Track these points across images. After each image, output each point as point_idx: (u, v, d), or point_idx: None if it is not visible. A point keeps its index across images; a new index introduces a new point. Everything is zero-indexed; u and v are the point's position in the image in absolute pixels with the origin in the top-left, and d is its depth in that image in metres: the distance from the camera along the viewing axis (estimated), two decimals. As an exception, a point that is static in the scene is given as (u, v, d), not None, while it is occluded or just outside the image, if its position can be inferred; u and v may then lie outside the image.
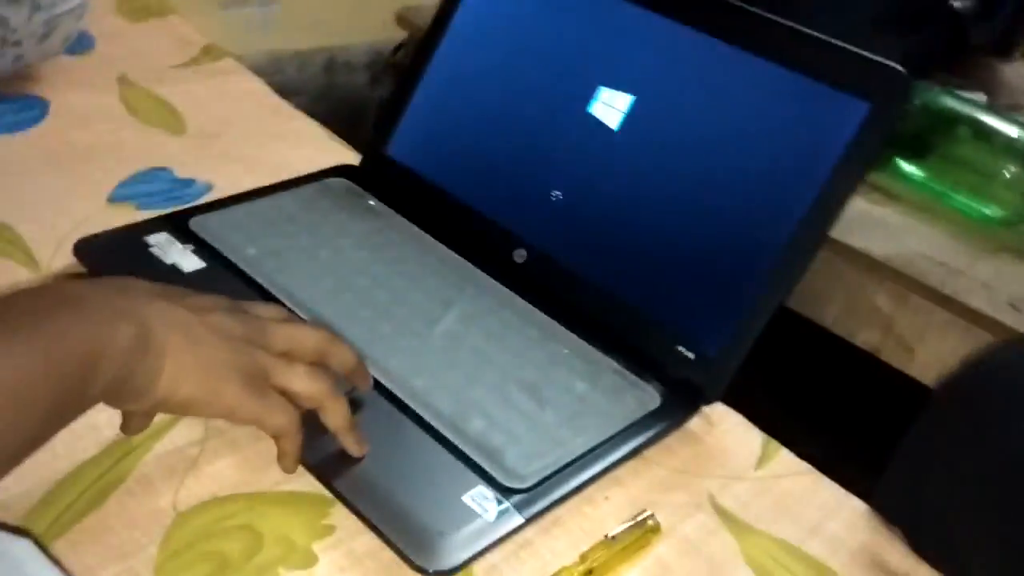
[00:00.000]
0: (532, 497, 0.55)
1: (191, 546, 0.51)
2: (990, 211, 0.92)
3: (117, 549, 0.50)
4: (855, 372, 0.88)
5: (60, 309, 0.45)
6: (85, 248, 0.66)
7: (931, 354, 0.86)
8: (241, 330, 0.52)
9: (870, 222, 0.89)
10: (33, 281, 0.64)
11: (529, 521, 0.54)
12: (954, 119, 0.93)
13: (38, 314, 0.44)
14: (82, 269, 0.65)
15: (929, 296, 0.86)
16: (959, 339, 0.84)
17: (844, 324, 0.89)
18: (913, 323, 0.87)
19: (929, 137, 0.93)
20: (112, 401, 0.47)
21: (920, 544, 0.57)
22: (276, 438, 0.53)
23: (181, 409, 0.50)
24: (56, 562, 0.39)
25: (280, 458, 0.53)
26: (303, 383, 0.53)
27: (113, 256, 0.65)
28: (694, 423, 0.64)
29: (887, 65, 0.60)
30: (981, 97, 0.98)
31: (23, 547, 0.36)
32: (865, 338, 0.89)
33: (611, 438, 0.59)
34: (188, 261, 0.66)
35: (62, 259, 0.66)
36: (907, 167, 0.96)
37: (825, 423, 0.72)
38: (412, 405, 0.58)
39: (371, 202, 0.76)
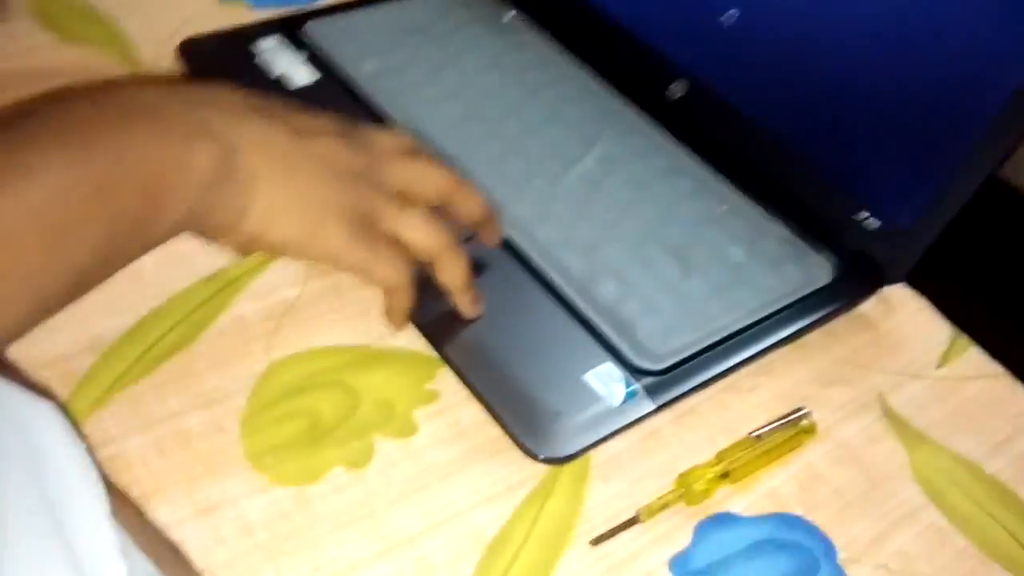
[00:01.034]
0: (667, 381, 0.47)
1: (282, 400, 0.46)
2: None
3: (203, 395, 0.45)
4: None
5: (127, 119, 0.37)
6: (190, 49, 0.59)
7: None
8: (352, 161, 0.44)
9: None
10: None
11: (660, 408, 0.46)
12: None
13: (99, 122, 0.37)
14: (185, 72, 0.58)
15: None
16: None
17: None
18: None
19: None
20: (195, 235, 0.41)
21: None
22: (384, 292, 0.46)
23: (275, 250, 0.43)
24: (81, 434, 0.34)
25: (387, 314, 0.47)
26: (418, 232, 0.45)
27: (219, 60, 0.58)
28: (868, 306, 0.54)
29: None
30: None
31: (43, 413, 0.31)
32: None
33: (768, 317, 0.50)
34: (299, 72, 0.58)
35: (166, 59, 0.59)
36: None
37: (1018, 315, 0.61)
38: (535, 260, 0.50)
39: (509, 14, 0.66)
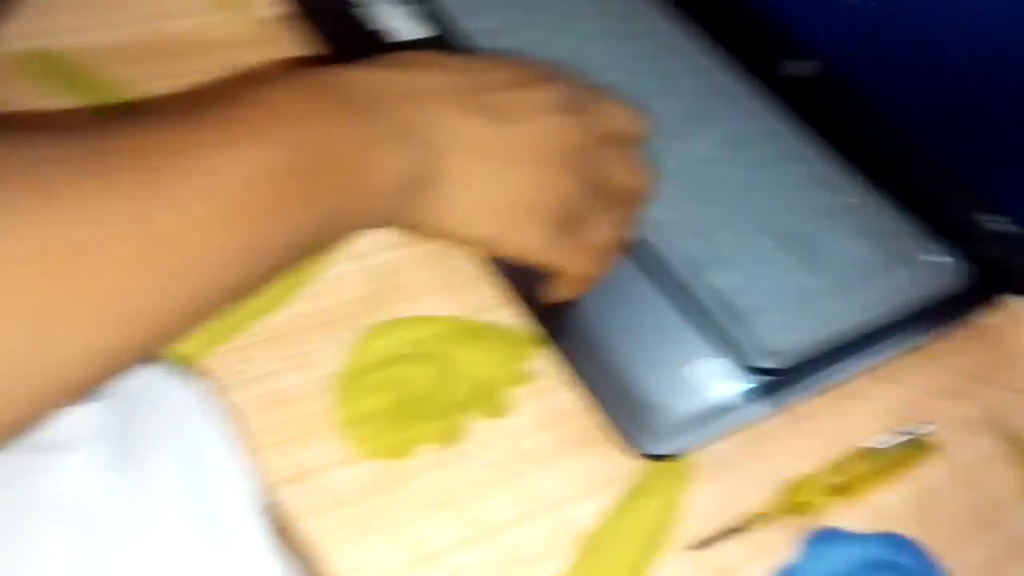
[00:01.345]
0: (782, 381, 0.44)
1: (377, 368, 0.44)
2: None
3: (299, 357, 0.44)
4: None
5: (327, 110, 0.32)
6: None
7: None
8: (566, 148, 0.38)
9: None
10: (235, 32, 0.57)
11: (772, 410, 0.44)
12: None
13: (293, 113, 0.31)
14: (292, 20, 0.56)
15: None
16: None
17: None
18: None
19: None
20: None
21: None
22: (564, 277, 0.43)
23: (466, 245, 0.39)
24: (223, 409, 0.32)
25: (554, 292, 0.43)
26: (606, 237, 0.41)
27: (328, 10, 0.56)
28: (997, 318, 0.51)
29: None
30: None
31: (201, 398, 0.30)
32: None
33: (890, 320, 0.47)
34: (407, 27, 0.55)
35: (273, 7, 0.57)
36: None
37: None
38: (647, 241, 0.48)
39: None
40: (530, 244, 0.38)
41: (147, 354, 0.28)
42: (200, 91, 0.52)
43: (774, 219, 0.50)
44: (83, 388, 0.27)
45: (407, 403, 0.43)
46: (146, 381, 0.31)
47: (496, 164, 0.37)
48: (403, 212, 0.35)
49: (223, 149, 0.29)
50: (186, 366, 0.42)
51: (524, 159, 0.37)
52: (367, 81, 0.35)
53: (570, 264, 0.41)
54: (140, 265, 0.27)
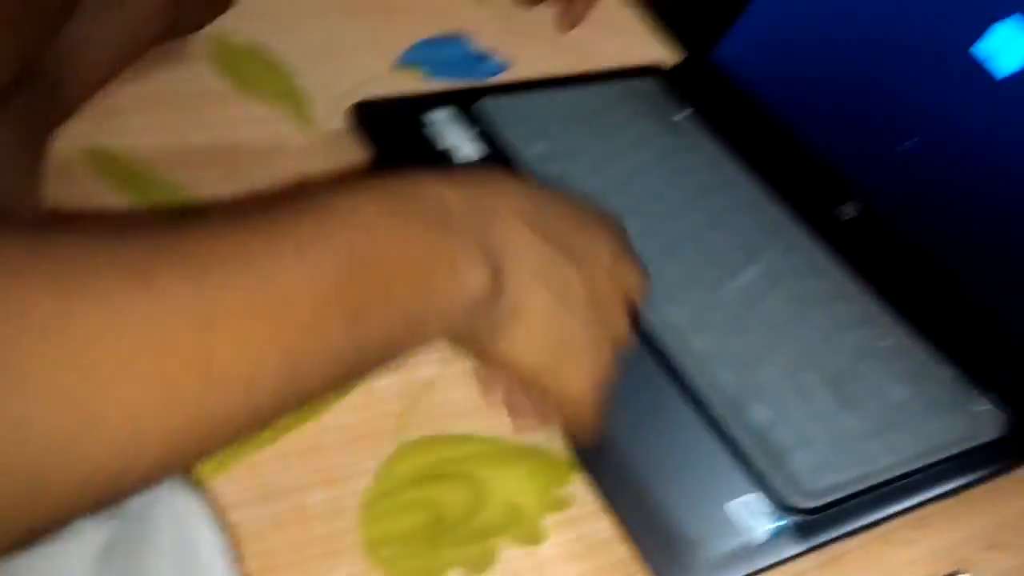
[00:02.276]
0: (816, 521, 0.44)
1: (407, 487, 0.44)
2: None
3: (327, 472, 0.43)
4: None
5: (390, 218, 0.32)
6: (362, 111, 0.58)
7: None
8: (611, 289, 0.41)
9: None
10: (298, 143, 0.58)
11: (807, 551, 0.43)
12: None
13: (344, 220, 0.31)
14: (354, 133, 0.58)
15: None
16: None
17: None
18: None
19: None
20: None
21: None
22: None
23: (516, 372, 0.40)
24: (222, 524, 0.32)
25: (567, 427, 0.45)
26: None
27: (389, 125, 0.58)
28: (1041, 467, 0.50)
29: None
30: None
31: (196, 505, 0.30)
32: None
33: (930, 465, 0.47)
34: (466, 148, 0.57)
35: (337, 119, 0.59)
36: None
37: None
38: (687, 370, 0.48)
39: (683, 113, 0.64)
40: (573, 385, 0.40)
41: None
42: (268, 195, 0.53)
43: (813, 357, 0.50)
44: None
45: (437, 525, 0.43)
46: (152, 495, 0.31)
47: (559, 304, 0.38)
48: (471, 328, 0.36)
49: (301, 252, 0.29)
50: (208, 478, 0.41)
51: (581, 303, 0.39)
52: (442, 194, 0.35)
53: (591, 410, 0.42)
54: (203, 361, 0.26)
